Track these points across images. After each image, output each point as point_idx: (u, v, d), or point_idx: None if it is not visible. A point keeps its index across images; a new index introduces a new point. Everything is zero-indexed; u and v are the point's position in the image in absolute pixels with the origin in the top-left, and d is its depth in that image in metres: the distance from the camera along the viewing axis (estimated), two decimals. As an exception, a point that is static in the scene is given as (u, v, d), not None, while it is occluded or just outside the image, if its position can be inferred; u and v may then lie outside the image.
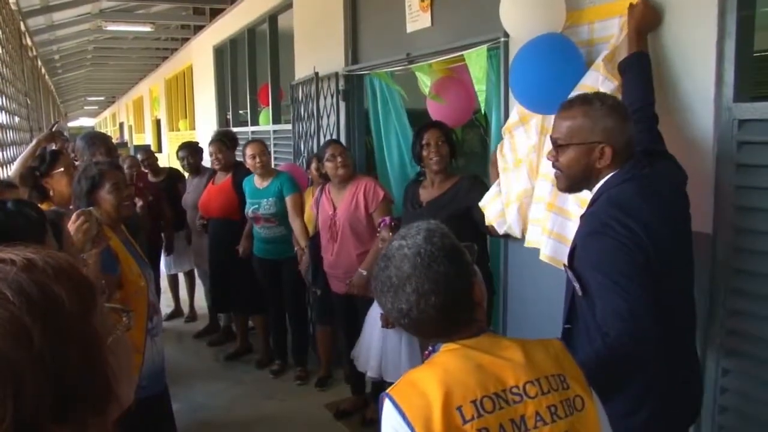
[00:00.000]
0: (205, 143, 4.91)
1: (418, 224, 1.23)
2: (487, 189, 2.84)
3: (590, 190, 1.75)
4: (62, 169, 2.74)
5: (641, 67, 2.00)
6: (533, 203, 2.47)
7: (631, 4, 2.09)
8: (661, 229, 1.59)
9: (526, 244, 2.53)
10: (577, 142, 1.67)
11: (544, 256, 2.33)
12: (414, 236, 1.20)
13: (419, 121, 3.67)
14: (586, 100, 1.70)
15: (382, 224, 3.17)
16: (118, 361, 0.68)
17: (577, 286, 1.68)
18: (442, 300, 1.15)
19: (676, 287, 1.67)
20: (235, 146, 4.72)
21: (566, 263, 1.76)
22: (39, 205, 2.62)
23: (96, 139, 3.60)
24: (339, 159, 3.48)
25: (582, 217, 1.75)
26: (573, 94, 2.03)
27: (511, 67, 2.40)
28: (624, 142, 1.66)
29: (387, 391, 1.14)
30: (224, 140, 4.52)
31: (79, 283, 0.65)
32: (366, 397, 3.69)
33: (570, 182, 1.75)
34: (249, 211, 4.14)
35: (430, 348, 1.23)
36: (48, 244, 1.48)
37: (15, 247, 0.65)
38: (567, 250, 1.82)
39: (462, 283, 1.18)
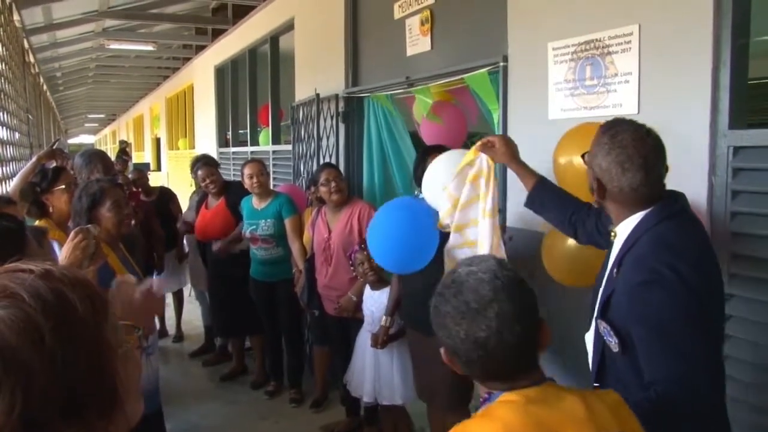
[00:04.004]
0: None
1: (479, 255, 1.17)
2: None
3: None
4: (63, 186, 2.75)
5: (545, 191, 1.99)
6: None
7: (486, 143, 2.06)
8: (710, 266, 1.49)
9: None
10: (588, 161, 1.61)
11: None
12: (483, 262, 1.13)
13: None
14: (606, 127, 1.56)
15: (351, 254, 3.28)
16: (126, 372, 0.71)
17: (613, 341, 1.51)
18: (524, 328, 1.08)
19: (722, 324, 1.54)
20: (218, 166, 4.74)
21: (598, 315, 1.58)
22: (38, 220, 2.66)
23: (94, 157, 3.61)
24: (333, 184, 3.49)
25: (621, 259, 1.55)
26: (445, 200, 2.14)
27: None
28: (620, 188, 1.51)
29: None
30: (211, 163, 4.54)
31: (93, 295, 0.69)
32: (360, 420, 3.66)
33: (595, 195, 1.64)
34: (246, 231, 4.13)
35: (486, 395, 1.14)
36: (30, 253, 1.50)
37: (35, 260, 0.70)
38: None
39: (534, 317, 1.12)
